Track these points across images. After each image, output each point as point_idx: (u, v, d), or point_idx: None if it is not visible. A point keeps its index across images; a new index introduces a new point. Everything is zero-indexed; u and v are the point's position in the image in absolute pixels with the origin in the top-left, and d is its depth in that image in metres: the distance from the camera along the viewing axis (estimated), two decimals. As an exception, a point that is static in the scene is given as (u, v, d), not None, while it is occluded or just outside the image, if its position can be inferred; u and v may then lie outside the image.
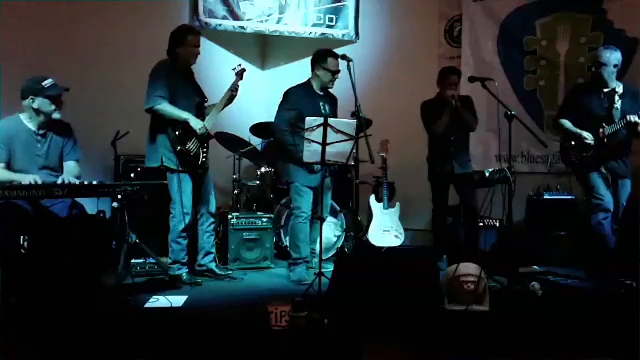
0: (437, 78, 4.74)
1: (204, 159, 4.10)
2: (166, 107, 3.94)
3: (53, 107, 3.60)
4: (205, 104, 4.27)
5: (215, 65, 4.44)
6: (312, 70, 4.37)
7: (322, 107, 4.33)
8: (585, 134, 4.24)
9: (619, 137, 4.20)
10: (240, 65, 4.31)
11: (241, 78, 4.26)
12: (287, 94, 4.35)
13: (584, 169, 4.29)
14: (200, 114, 4.13)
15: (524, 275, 4.14)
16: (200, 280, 4.11)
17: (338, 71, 4.31)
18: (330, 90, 4.45)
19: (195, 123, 3.99)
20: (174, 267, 4.12)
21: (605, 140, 4.18)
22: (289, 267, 4.44)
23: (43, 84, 3.57)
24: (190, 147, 4.00)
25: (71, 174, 3.63)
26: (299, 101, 4.28)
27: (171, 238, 4.11)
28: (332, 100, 4.48)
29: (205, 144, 4.11)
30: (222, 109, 4.23)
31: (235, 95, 4.23)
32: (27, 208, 3.49)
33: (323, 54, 4.33)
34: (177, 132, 3.95)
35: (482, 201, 4.71)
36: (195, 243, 4.32)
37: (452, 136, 4.60)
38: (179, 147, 3.95)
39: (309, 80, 4.40)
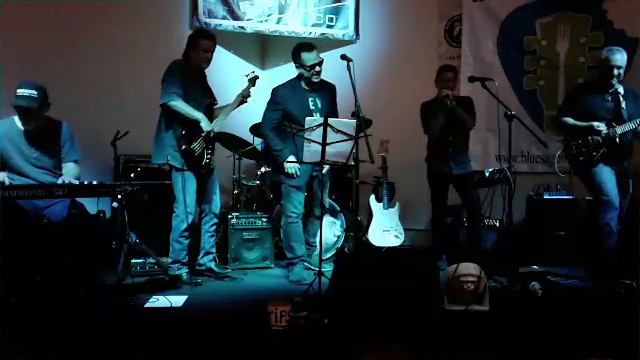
0: (435, 78, 4.75)
1: (208, 160, 4.12)
2: (180, 104, 3.96)
3: (20, 118, 3.58)
4: (215, 107, 4.30)
5: (215, 65, 4.44)
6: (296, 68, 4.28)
7: (311, 103, 4.24)
8: (596, 123, 4.20)
9: (627, 137, 4.21)
10: (253, 72, 4.35)
11: (253, 85, 4.29)
12: (273, 93, 4.27)
13: (591, 168, 4.26)
14: (209, 116, 4.15)
15: (524, 275, 4.14)
16: (200, 280, 4.11)
17: (314, 65, 4.13)
18: (325, 80, 4.31)
19: (206, 125, 4.02)
20: (174, 267, 4.12)
21: (617, 140, 4.18)
22: (287, 267, 4.46)
23: (17, 90, 3.52)
24: (195, 147, 4.01)
25: (71, 175, 3.63)
26: (285, 99, 4.21)
27: (173, 237, 4.12)
28: (326, 92, 4.32)
29: (211, 146, 4.13)
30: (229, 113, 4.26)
31: (246, 101, 4.26)
32: (27, 208, 3.50)
33: (296, 50, 4.19)
34: (183, 132, 3.97)
35: (482, 201, 4.71)
36: (196, 243, 4.33)
37: (449, 137, 4.60)
38: (184, 146, 3.97)
39: (298, 76, 4.29)
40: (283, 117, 4.22)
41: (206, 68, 4.23)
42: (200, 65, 4.16)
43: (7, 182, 3.34)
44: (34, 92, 3.52)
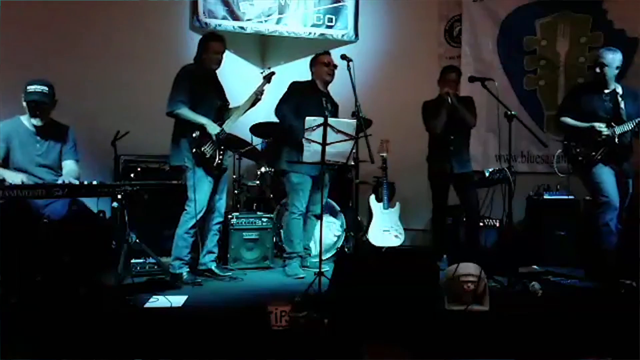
0: (438, 78, 4.76)
1: (219, 161, 4.15)
2: (185, 112, 4.04)
3: (32, 113, 3.62)
4: (229, 107, 4.34)
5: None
6: (311, 72, 4.55)
7: (323, 102, 4.47)
8: (597, 124, 4.20)
9: (627, 137, 4.20)
10: (269, 68, 4.39)
11: (268, 82, 4.34)
12: (291, 85, 4.48)
13: (590, 168, 4.25)
14: (220, 118, 4.20)
15: (524, 275, 4.14)
16: (200, 280, 4.11)
17: (330, 63, 4.48)
18: (332, 96, 4.59)
19: (212, 128, 4.07)
20: (175, 265, 4.13)
21: (616, 140, 4.17)
22: (284, 261, 4.54)
23: (27, 87, 3.57)
24: (206, 150, 4.06)
25: (71, 175, 3.65)
26: (302, 94, 4.41)
27: (178, 233, 4.13)
28: (333, 100, 4.59)
29: (222, 147, 4.16)
30: (245, 112, 4.31)
31: (260, 98, 4.31)
32: (29, 207, 3.51)
33: (314, 57, 4.59)
34: (194, 136, 4.03)
35: (482, 201, 4.71)
36: (198, 243, 4.34)
37: (451, 136, 4.61)
38: (194, 150, 4.03)
39: (312, 79, 4.56)
40: (298, 109, 4.32)
41: (217, 69, 4.28)
42: (211, 67, 4.23)
43: (25, 181, 3.38)
44: (45, 88, 3.60)
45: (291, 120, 4.32)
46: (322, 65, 4.48)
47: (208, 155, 4.07)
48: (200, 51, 4.23)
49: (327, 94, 4.59)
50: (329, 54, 4.56)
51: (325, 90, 4.56)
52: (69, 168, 3.74)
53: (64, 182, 3.49)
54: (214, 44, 4.20)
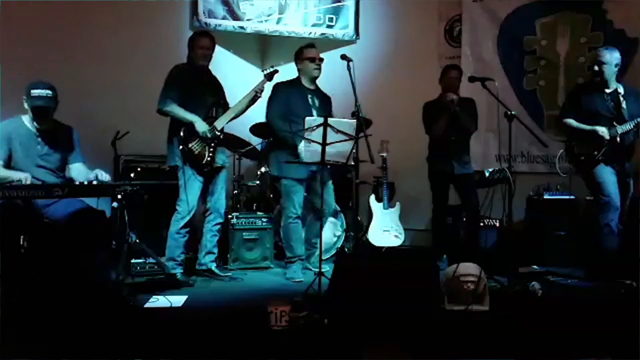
0: (439, 77, 4.75)
1: (209, 159, 4.12)
2: (174, 109, 4.04)
3: (37, 118, 3.60)
4: (228, 105, 4.32)
5: (215, 66, 4.46)
6: (297, 68, 4.44)
7: (310, 100, 4.35)
8: (599, 128, 4.20)
9: (629, 137, 4.20)
10: (272, 66, 4.35)
11: (270, 79, 4.30)
12: (275, 88, 4.38)
13: (592, 168, 4.25)
14: (214, 115, 4.19)
15: (524, 275, 4.14)
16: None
17: (316, 58, 4.35)
18: (322, 89, 4.49)
19: (200, 125, 4.05)
20: (168, 265, 4.12)
21: (618, 139, 4.17)
22: (285, 265, 4.50)
23: (31, 91, 3.54)
24: (194, 147, 4.04)
25: (82, 177, 3.66)
26: (287, 94, 4.32)
27: (169, 233, 4.13)
28: (323, 97, 4.48)
29: (213, 144, 4.14)
30: (245, 110, 4.29)
31: (260, 96, 4.27)
32: (29, 208, 3.51)
33: (299, 50, 4.43)
34: (181, 133, 4.03)
35: (482, 201, 4.71)
36: (197, 242, 4.34)
37: (452, 137, 4.61)
38: (181, 147, 4.03)
39: (297, 77, 4.45)
40: (287, 112, 4.26)
41: (207, 65, 4.26)
42: (199, 63, 4.20)
43: (28, 180, 3.37)
44: (49, 92, 3.57)
45: (279, 125, 4.24)
46: (308, 61, 4.36)
47: (196, 152, 4.05)
48: (190, 49, 4.23)
49: (315, 89, 4.45)
50: (313, 46, 4.42)
51: (312, 87, 4.42)
52: (79, 170, 3.75)
53: (91, 181, 3.48)
54: (199, 39, 4.20)
